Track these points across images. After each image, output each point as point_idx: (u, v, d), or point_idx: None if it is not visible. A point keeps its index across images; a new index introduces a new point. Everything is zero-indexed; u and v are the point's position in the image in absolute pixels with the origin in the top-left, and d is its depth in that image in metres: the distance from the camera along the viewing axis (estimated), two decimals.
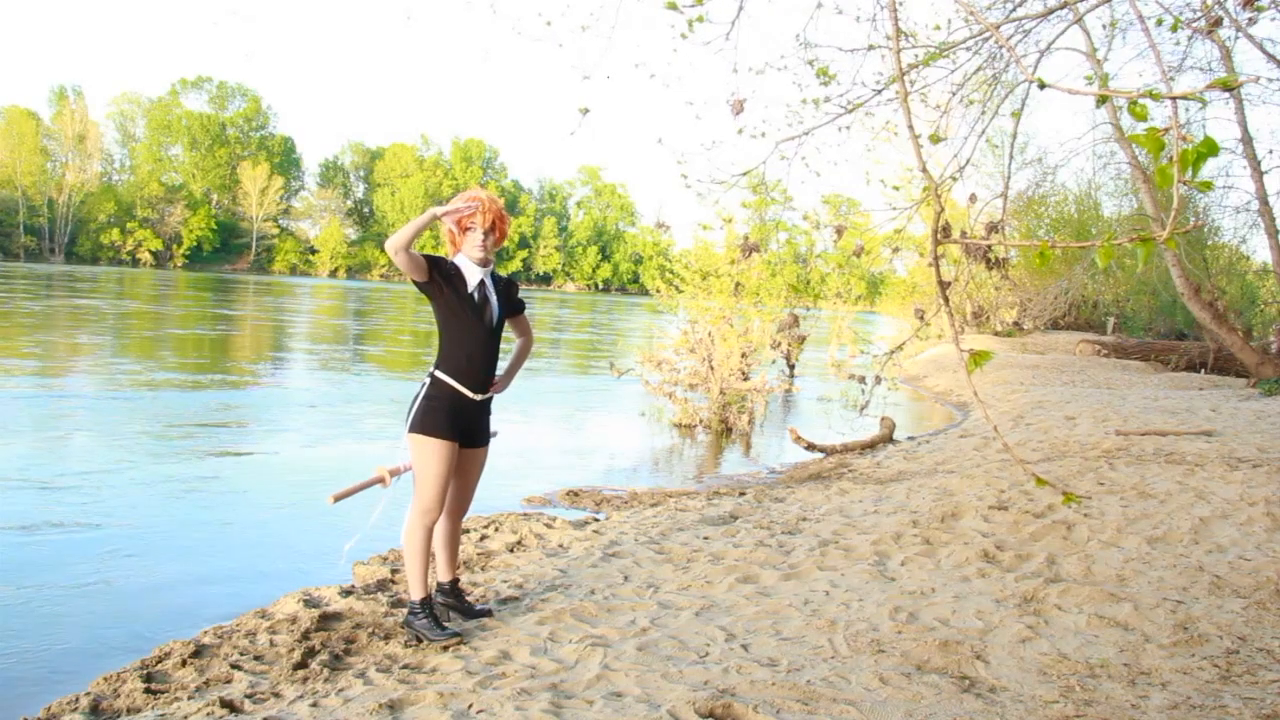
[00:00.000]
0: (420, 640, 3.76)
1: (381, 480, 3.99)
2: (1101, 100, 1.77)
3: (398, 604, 4.31)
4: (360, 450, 8.72)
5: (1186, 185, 1.55)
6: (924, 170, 2.48)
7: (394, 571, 4.88)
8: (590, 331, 33.25)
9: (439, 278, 3.72)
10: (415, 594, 3.79)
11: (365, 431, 9.80)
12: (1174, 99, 1.58)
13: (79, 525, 5.72)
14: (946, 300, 2.63)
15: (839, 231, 5.25)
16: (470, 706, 3.04)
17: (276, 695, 3.30)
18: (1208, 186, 1.74)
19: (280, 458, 8.24)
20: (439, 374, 3.76)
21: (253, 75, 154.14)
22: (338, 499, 3.90)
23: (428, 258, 3.71)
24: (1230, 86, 1.46)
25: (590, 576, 4.70)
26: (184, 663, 3.63)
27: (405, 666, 3.53)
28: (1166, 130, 1.52)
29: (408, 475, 3.92)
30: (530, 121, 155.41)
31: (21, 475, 6.87)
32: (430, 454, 3.68)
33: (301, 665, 3.57)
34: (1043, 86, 1.89)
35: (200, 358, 16.19)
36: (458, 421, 3.75)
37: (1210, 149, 1.48)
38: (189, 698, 3.30)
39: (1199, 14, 7.29)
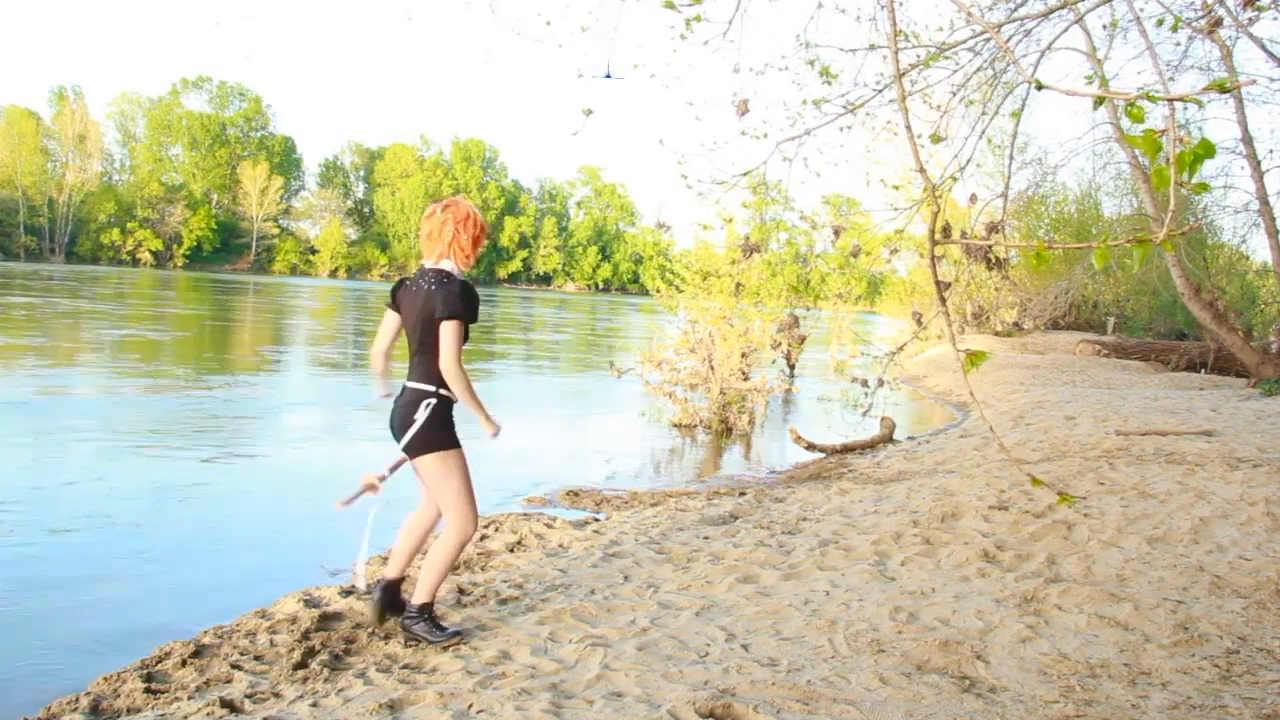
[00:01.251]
0: (420, 641, 3.76)
1: (372, 487, 3.98)
2: (1099, 102, 1.77)
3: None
4: (354, 451, 8.72)
5: (1183, 187, 1.55)
6: (922, 171, 2.49)
7: None
8: (590, 331, 33.24)
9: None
10: (419, 598, 3.78)
11: (358, 433, 9.80)
12: (1171, 101, 1.58)
13: (77, 527, 5.72)
14: (944, 302, 2.64)
15: (837, 232, 5.25)
16: (470, 706, 3.04)
17: (276, 695, 3.30)
18: (1204, 188, 1.74)
19: (275, 459, 8.23)
20: (445, 392, 3.73)
21: (253, 75, 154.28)
22: (345, 504, 3.91)
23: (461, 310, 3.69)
24: (1225, 89, 1.46)
25: (590, 576, 4.70)
26: (184, 663, 3.63)
27: (405, 666, 3.53)
28: (1163, 132, 1.52)
29: (394, 478, 3.92)
30: (530, 121, 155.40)
31: (17, 477, 6.87)
32: (458, 466, 3.71)
33: (301, 665, 3.57)
34: (1040, 88, 1.89)
35: (152, 361, 16.20)
36: None
37: (1207, 151, 1.48)
38: (189, 698, 3.30)
39: (1200, 14, 7.29)
